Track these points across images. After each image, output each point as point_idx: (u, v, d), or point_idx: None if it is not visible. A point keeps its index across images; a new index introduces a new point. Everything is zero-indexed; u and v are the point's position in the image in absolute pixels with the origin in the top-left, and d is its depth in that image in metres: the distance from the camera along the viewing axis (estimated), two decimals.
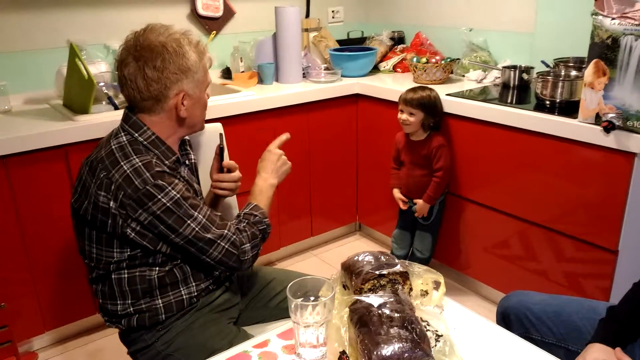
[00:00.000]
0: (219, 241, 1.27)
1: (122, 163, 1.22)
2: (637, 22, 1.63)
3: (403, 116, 2.20)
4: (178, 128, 1.33)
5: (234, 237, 1.29)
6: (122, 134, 1.28)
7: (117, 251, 1.27)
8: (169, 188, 1.21)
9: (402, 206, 2.34)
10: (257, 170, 1.47)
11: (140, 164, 1.21)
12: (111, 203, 1.21)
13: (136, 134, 1.28)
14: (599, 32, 1.72)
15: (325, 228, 2.89)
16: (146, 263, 1.29)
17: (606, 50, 1.71)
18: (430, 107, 2.19)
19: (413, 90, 2.22)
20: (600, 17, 1.71)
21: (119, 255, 1.27)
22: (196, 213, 1.25)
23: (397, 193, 2.36)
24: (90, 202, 1.24)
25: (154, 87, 1.24)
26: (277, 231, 2.65)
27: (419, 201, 2.27)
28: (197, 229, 1.24)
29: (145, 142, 1.28)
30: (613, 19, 1.68)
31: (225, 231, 1.28)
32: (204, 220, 1.26)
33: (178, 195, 1.22)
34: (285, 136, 1.50)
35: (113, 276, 1.30)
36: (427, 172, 2.25)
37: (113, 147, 1.25)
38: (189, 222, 1.24)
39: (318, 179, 2.72)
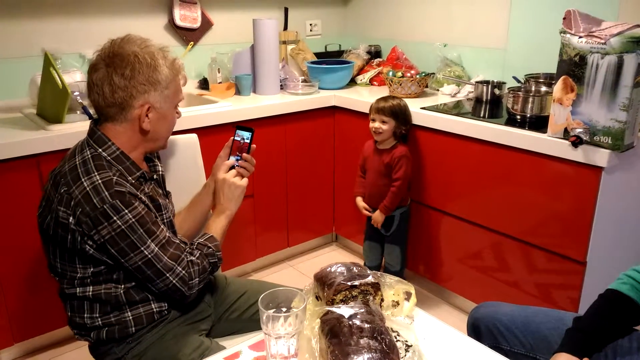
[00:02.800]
0: (167, 274, 1.25)
1: (82, 179, 1.20)
2: (603, 41, 1.69)
3: (375, 124, 2.23)
4: (141, 141, 1.32)
5: (184, 272, 1.27)
6: (87, 148, 1.27)
7: (80, 267, 1.25)
8: (125, 211, 1.19)
9: (368, 214, 2.33)
10: (217, 196, 1.47)
11: (100, 181, 1.20)
12: (70, 219, 1.19)
13: (100, 149, 1.26)
14: (567, 49, 1.77)
15: (302, 239, 2.90)
16: (110, 279, 1.27)
17: (574, 68, 1.77)
18: (401, 115, 2.23)
19: (384, 99, 2.26)
20: (568, 35, 1.77)
21: (82, 271, 1.26)
22: (149, 241, 1.22)
23: (360, 201, 2.36)
24: (52, 217, 1.22)
25: (119, 94, 1.24)
26: (253, 242, 2.64)
27: (375, 213, 2.29)
28: (149, 256, 1.22)
29: (109, 158, 1.26)
30: (580, 37, 1.74)
31: (176, 265, 1.26)
32: (157, 249, 1.23)
33: (133, 220, 1.20)
34: (231, 161, 1.49)
35: (78, 292, 1.28)
36: (389, 182, 2.27)
37: (77, 162, 1.24)
38: (142, 248, 1.22)
39: (295, 190, 2.73)
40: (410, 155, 2.26)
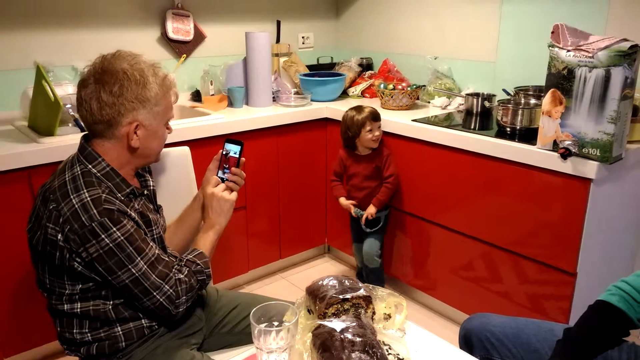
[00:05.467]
0: (154, 292, 1.24)
1: (71, 197, 1.19)
2: (590, 55, 1.71)
3: (376, 133, 2.29)
4: (131, 157, 1.31)
5: (171, 290, 1.25)
6: (77, 164, 1.26)
7: (69, 284, 1.24)
8: (114, 229, 1.18)
9: (354, 212, 2.40)
10: (206, 211, 1.45)
11: (89, 199, 1.19)
12: (59, 236, 1.18)
13: (90, 166, 1.25)
14: (556, 63, 1.80)
15: (294, 250, 2.89)
16: (99, 296, 1.26)
17: (562, 81, 1.79)
18: None
19: (368, 107, 2.34)
20: (556, 49, 1.80)
21: (70, 288, 1.25)
22: (138, 259, 1.21)
23: (344, 200, 2.44)
24: (41, 233, 1.22)
25: (106, 111, 1.23)
26: (245, 254, 2.64)
27: (369, 208, 2.37)
28: (136, 275, 1.21)
29: (99, 174, 1.25)
30: (568, 51, 1.77)
31: (164, 284, 1.24)
32: (145, 267, 1.22)
33: (121, 238, 1.19)
34: (215, 179, 1.46)
35: (66, 308, 1.27)
36: (378, 183, 2.37)
37: (67, 178, 1.23)
38: (129, 266, 1.21)
39: (287, 201, 2.74)
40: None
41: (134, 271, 1.21)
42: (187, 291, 1.29)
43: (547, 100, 1.84)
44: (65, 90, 2.24)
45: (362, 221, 2.38)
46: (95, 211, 1.18)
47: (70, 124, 2.16)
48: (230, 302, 1.55)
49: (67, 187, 1.21)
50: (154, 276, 1.23)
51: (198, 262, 1.35)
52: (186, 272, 1.31)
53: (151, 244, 1.27)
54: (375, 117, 2.29)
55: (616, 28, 2.13)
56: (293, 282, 2.81)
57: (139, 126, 1.27)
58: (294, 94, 2.81)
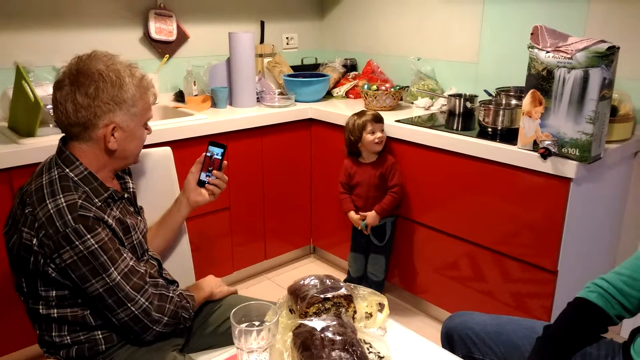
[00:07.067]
0: (129, 304, 1.22)
1: (47, 201, 1.18)
2: (569, 56, 1.74)
3: (378, 135, 2.25)
4: (109, 160, 1.29)
5: (147, 303, 1.24)
6: (55, 167, 1.24)
7: (43, 289, 1.23)
8: (88, 236, 1.17)
9: (361, 227, 2.32)
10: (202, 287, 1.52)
11: (64, 204, 1.17)
12: (34, 241, 1.17)
13: (67, 169, 1.23)
14: (535, 64, 1.82)
15: (280, 251, 2.89)
16: (76, 304, 1.25)
17: (542, 81, 1.81)
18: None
19: (368, 111, 2.30)
20: (536, 50, 1.82)
21: (45, 293, 1.23)
22: (112, 268, 1.19)
23: (353, 215, 2.36)
24: (17, 237, 1.20)
25: (82, 113, 1.21)
26: (230, 254, 2.63)
27: (370, 213, 2.29)
28: (110, 284, 1.19)
29: (76, 178, 1.23)
30: (547, 52, 1.79)
31: (139, 296, 1.23)
32: (119, 278, 1.20)
33: (95, 246, 1.17)
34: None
35: (43, 312, 1.25)
36: (384, 192, 2.31)
37: (43, 182, 1.21)
38: (103, 275, 1.18)
39: (272, 202, 2.74)
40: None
41: (108, 281, 1.19)
42: (172, 316, 1.30)
43: (527, 100, 1.86)
44: (46, 90, 2.21)
45: (367, 231, 2.33)
46: (69, 217, 1.16)
47: (51, 125, 2.13)
48: (214, 303, 1.54)
49: (43, 192, 1.19)
50: (128, 287, 1.21)
51: (191, 303, 1.37)
52: (177, 299, 1.32)
53: (125, 255, 1.24)
54: (376, 119, 2.26)
55: (595, 29, 2.16)
56: (278, 283, 2.81)
57: (116, 128, 1.25)
58: (278, 94, 2.81)
